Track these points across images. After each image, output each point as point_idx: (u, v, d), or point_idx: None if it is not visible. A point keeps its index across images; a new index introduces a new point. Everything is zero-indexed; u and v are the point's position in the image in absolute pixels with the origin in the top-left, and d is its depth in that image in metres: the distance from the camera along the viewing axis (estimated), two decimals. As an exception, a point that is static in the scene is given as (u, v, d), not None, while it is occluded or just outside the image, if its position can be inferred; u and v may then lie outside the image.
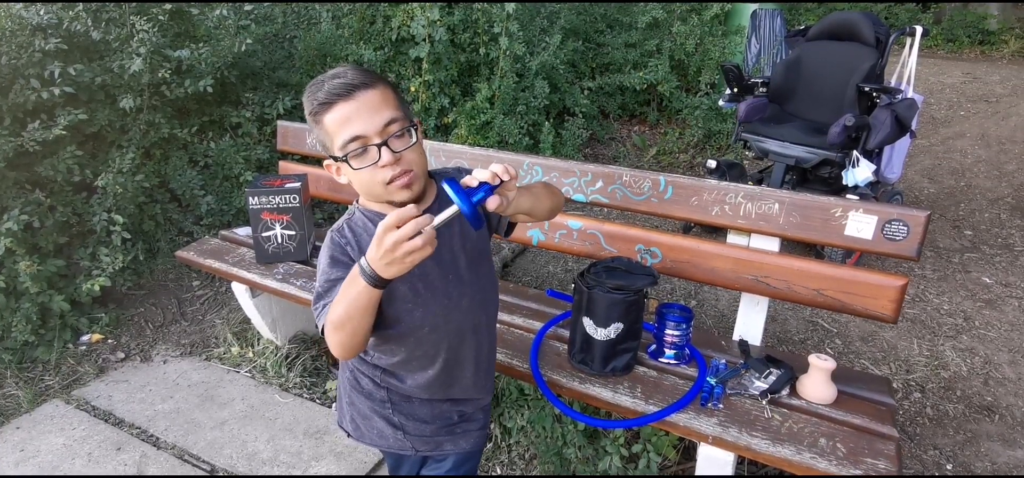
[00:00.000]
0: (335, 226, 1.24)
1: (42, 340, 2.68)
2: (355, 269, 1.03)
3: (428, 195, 1.23)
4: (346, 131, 1.09)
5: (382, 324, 1.20)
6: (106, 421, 2.31)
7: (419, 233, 0.94)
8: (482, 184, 1.02)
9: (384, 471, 2.06)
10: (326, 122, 1.10)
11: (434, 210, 1.22)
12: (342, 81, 1.09)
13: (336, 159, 1.13)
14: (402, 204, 1.15)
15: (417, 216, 0.95)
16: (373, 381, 1.32)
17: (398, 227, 0.94)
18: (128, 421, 2.31)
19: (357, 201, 1.26)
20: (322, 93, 1.10)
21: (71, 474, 2.06)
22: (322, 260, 1.21)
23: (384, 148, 1.10)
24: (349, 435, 1.40)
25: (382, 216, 1.17)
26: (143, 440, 2.21)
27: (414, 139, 1.13)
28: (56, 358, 2.65)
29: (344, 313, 1.07)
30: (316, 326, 1.23)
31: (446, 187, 0.99)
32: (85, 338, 2.78)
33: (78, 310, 2.82)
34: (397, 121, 1.11)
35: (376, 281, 1.00)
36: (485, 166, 1.05)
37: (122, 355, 2.73)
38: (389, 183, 1.12)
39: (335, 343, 1.12)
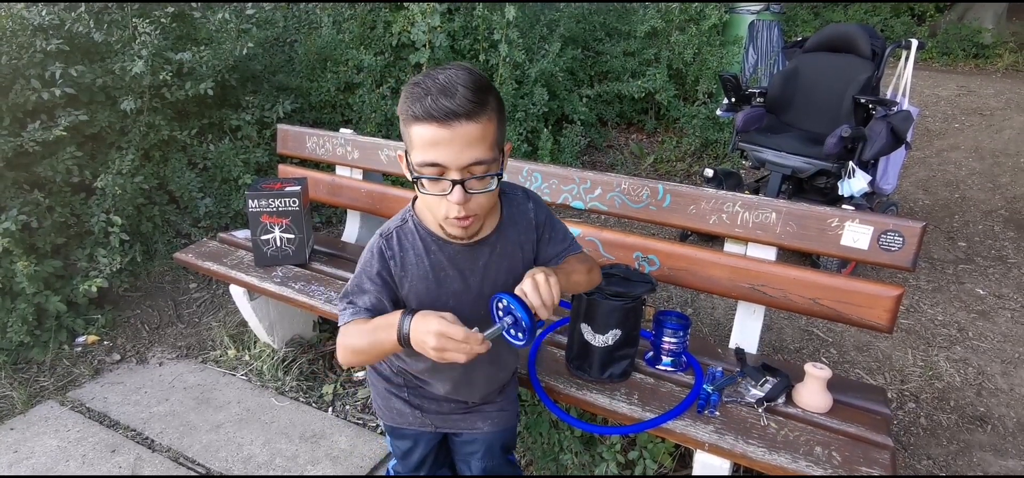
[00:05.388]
0: (388, 228, 1.23)
1: (37, 341, 2.67)
2: (395, 320, 1.08)
3: (487, 226, 1.22)
4: (429, 154, 1.04)
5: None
6: (101, 423, 2.30)
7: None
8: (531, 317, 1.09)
9: (381, 472, 2.06)
10: (413, 132, 1.06)
11: (492, 240, 1.24)
12: (448, 105, 1.00)
13: (409, 167, 1.11)
14: (453, 238, 1.19)
15: (474, 341, 1.02)
16: (391, 369, 1.42)
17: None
18: (123, 423, 2.30)
19: (413, 203, 1.26)
20: (420, 107, 1.02)
21: (65, 476, 2.06)
22: (363, 260, 1.23)
23: (458, 187, 1.05)
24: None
25: (434, 237, 1.21)
26: (138, 442, 2.20)
27: (492, 186, 1.09)
28: (51, 359, 2.64)
29: (366, 346, 1.14)
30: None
31: (511, 303, 1.08)
32: (81, 339, 2.77)
33: (74, 311, 2.81)
34: (483, 163, 1.06)
35: (407, 344, 1.07)
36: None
37: (118, 357, 2.72)
38: (448, 217, 1.10)
39: (348, 353, 1.17)
